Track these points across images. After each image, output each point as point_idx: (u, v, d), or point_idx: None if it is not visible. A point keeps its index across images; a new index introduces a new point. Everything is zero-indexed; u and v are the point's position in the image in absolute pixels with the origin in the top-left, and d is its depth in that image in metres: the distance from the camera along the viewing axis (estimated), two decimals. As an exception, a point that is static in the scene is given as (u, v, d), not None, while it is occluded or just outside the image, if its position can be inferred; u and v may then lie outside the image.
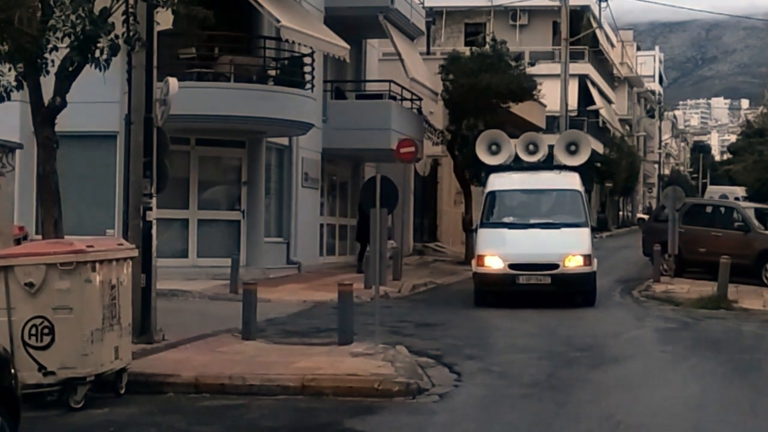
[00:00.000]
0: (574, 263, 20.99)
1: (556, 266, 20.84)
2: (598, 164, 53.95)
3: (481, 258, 21.35)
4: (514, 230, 21.74)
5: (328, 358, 13.52)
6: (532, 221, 21.95)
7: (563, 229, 21.54)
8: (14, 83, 13.07)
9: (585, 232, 21.72)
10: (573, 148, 23.59)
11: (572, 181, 22.84)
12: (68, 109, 13.82)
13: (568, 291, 21.33)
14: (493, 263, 21.11)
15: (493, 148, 23.62)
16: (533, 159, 23.50)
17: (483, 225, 22.12)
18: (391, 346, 14.51)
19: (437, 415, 11.19)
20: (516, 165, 23.61)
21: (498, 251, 21.15)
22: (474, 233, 23.05)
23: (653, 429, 10.70)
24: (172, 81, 15.65)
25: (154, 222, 15.08)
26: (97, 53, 12.78)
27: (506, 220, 22.30)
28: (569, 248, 21.10)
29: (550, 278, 20.80)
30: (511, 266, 20.87)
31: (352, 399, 11.76)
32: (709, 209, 31.32)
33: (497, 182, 22.93)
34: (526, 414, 11.24)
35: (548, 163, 23.79)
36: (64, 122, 14.52)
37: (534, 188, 22.90)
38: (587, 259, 21.18)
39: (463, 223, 22.84)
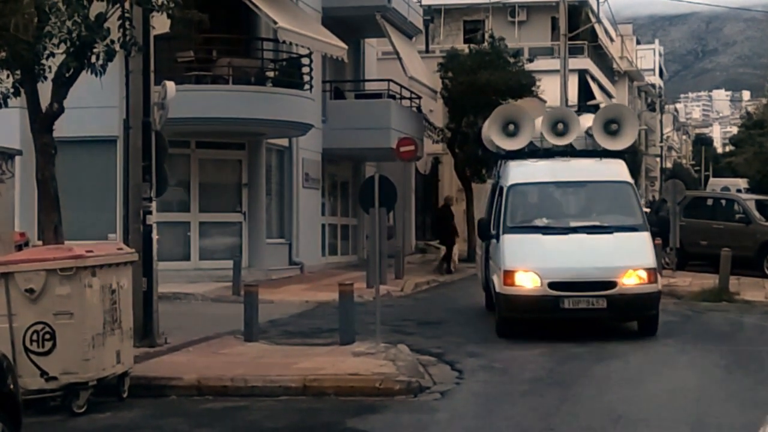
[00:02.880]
0: (635, 280, 15.90)
1: (612, 284, 15.68)
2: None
3: (509, 275, 15.89)
4: (553, 236, 16.37)
5: (330, 358, 13.56)
6: (573, 224, 16.72)
7: (617, 234, 16.46)
8: (11, 90, 13.11)
9: (645, 238, 16.57)
10: (614, 127, 17.75)
11: (619, 171, 17.62)
12: (68, 114, 13.87)
13: (628, 317, 16.69)
14: (527, 282, 15.79)
15: (510, 128, 17.93)
16: (563, 142, 17.84)
17: (508, 230, 16.59)
18: (393, 345, 14.55)
19: (439, 413, 11.23)
20: (539, 150, 18.16)
21: (534, 265, 15.86)
22: (494, 241, 17.08)
23: (654, 422, 10.73)
24: (170, 85, 15.68)
25: (155, 226, 15.12)
26: (94, 59, 12.82)
27: (539, 222, 16.82)
28: (628, 260, 16.04)
29: (606, 301, 15.66)
30: (553, 285, 15.65)
31: (354, 398, 11.80)
32: (710, 202, 31.37)
33: (519, 173, 17.51)
34: (527, 410, 11.27)
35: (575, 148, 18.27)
36: (64, 128, 14.58)
37: (571, 180, 17.50)
38: (652, 274, 16.11)
39: (479, 227, 17.51)
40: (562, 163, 17.76)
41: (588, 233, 16.35)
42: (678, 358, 14.67)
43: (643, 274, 15.96)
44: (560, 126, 17.92)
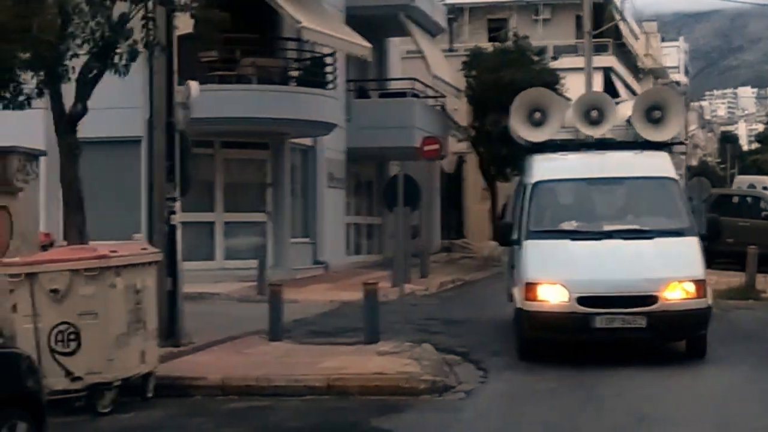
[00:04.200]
0: (680, 294, 13.55)
1: (653, 299, 13.37)
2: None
3: (532, 288, 13.63)
4: (583, 243, 14.12)
5: (355, 357, 13.53)
6: (607, 227, 14.33)
7: (659, 240, 14.06)
8: (35, 91, 13.16)
9: (692, 244, 14.07)
10: (657, 114, 15.41)
11: (662, 165, 15.21)
12: (94, 115, 13.94)
13: (672, 337, 14.35)
14: (553, 296, 13.53)
15: (536, 116, 15.66)
16: (597, 132, 15.56)
17: (531, 235, 14.34)
18: (418, 344, 14.50)
19: (463, 413, 11.18)
20: (570, 142, 15.96)
21: (560, 277, 13.58)
22: (515, 247, 14.84)
23: (679, 421, 10.65)
24: (193, 85, 15.70)
25: (179, 225, 15.13)
26: (116, 59, 12.85)
27: (567, 226, 14.48)
28: (672, 270, 13.71)
29: (646, 319, 13.35)
30: (583, 301, 13.36)
31: (379, 398, 11.76)
32: (735, 199, 31.21)
33: (545, 168, 15.28)
34: (552, 409, 11.20)
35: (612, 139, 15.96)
36: (90, 128, 14.63)
37: (606, 176, 15.15)
38: (701, 286, 13.65)
39: (495, 229, 15.46)
40: (596, 157, 15.42)
41: (625, 239, 14.00)
42: (703, 357, 14.53)
43: (690, 287, 13.55)
44: (594, 113, 15.71)
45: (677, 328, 13.68)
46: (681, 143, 17.44)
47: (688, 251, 14.01)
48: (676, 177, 15.16)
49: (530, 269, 13.91)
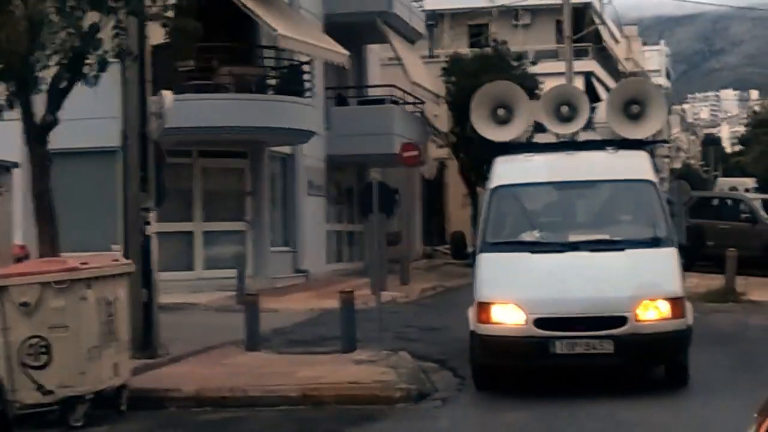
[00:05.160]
0: (653, 314, 11.90)
1: (621, 321, 11.72)
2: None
3: (484, 309, 12.00)
4: (544, 256, 12.37)
5: (331, 366, 13.47)
6: (573, 238, 12.61)
7: (632, 251, 12.37)
8: (5, 102, 13.06)
9: (669, 256, 12.43)
10: (635, 109, 13.59)
11: (639, 166, 13.41)
12: (70, 125, 13.89)
13: (644, 364, 12.79)
14: (508, 318, 11.91)
15: (500, 113, 13.76)
16: (568, 130, 13.68)
17: (486, 247, 12.65)
18: (395, 352, 14.45)
19: (439, 421, 11.13)
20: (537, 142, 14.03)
21: (516, 295, 11.95)
22: (471, 261, 13.08)
23: (656, 425, 10.60)
24: (167, 94, 15.61)
25: (154, 236, 15.04)
26: (87, 69, 12.77)
27: (527, 237, 12.76)
28: (644, 286, 12.00)
29: (613, 343, 11.70)
30: (541, 323, 11.73)
31: (354, 407, 11.70)
32: (716, 202, 31.25)
33: (506, 172, 13.40)
34: (529, 417, 11.15)
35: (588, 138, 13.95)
36: (66, 139, 14.56)
37: (574, 179, 13.31)
38: (678, 305, 11.99)
39: (452, 243, 12.78)
40: (565, 158, 13.55)
41: (592, 251, 12.29)
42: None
43: (665, 306, 11.85)
44: (565, 109, 13.78)
45: (650, 353, 11.95)
46: (663, 142, 15.02)
47: (663, 264, 12.28)
48: (655, 179, 13.23)
49: (483, 287, 12.18)
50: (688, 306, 12.29)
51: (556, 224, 13.16)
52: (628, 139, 13.70)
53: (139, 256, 14.42)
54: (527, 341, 11.78)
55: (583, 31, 51.37)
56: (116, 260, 12.13)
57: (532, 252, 12.45)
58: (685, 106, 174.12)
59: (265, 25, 24.47)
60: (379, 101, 31.95)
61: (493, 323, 11.95)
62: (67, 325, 10.80)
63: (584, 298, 11.89)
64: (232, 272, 23.13)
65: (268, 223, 26.43)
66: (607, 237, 12.61)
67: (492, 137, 14.05)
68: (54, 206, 13.53)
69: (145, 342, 14.41)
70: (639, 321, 11.79)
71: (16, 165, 16.14)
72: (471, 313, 12.30)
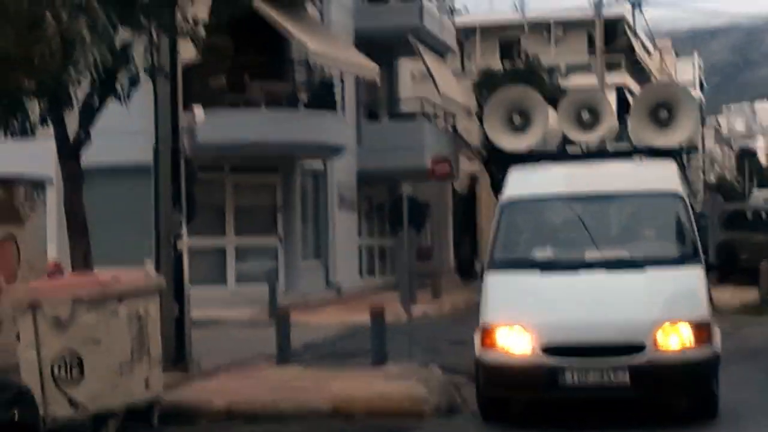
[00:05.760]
0: (675, 340, 10.67)
1: (638, 348, 10.58)
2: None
3: (488, 333, 10.99)
4: (556, 275, 11.29)
5: (362, 380, 13.49)
6: (588, 257, 11.45)
7: (653, 271, 11.14)
8: (39, 119, 13.21)
9: (695, 275, 11.23)
10: (664, 114, 12.42)
11: (665, 177, 12.19)
12: (102, 142, 14.01)
13: (664, 396, 11.30)
14: (514, 344, 10.82)
15: (516, 120, 12.61)
16: (590, 137, 12.64)
17: (494, 265, 11.58)
18: (425, 366, 14.45)
19: (469, 435, 11.12)
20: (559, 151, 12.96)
21: (522, 319, 10.84)
22: (479, 281, 11.93)
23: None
24: (198, 110, 15.75)
25: (185, 251, 15.14)
26: (118, 87, 12.89)
27: (539, 254, 11.70)
28: (666, 309, 10.81)
29: (629, 373, 10.54)
30: (549, 350, 10.66)
31: (384, 421, 11.72)
32: (749, 215, 31.05)
33: (519, 184, 12.29)
34: (563, 428, 11.12)
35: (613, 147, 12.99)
36: (98, 155, 14.70)
37: (593, 192, 12.07)
38: (703, 330, 10.76)
39: (457, 260, 11.49)
40: (585, 169, 12.48)
41: (609, 270, 11.13)
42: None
43: (688, 332, 10.60)
44: (586, 115, 12.72)
45: (670, 385, 10.68)
46: (691, 150, 13.35)
47: (688, 285, 11.09)
48: (682, 191, 12.03)
49: (489, 309, 11.07)
50: (716, 331, 11.02)
51: (571, 241, 11.91)
52: (655, 148, 12.60)
53: (171, 271, 14.52)
54: (534, 370, 10.64)
55: (615, 44, 51.26)
56: (148, 275, 12.22)
57: (543, 271, 11.29)
58: (720, 119, 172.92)
59: (296, 41, 24.61)
60: (411, 116, 32.03)
61: (497, 350, 10.83)
62: (100, 340, 10.89)
63: (598, 322, 10.72)
64: (264, 287, 23.23)
65: (300, 237, 26.52)
66: (626, 255, 11.42)
67: (507, 146, 12.98)
68: (86, 222, 13.66)
69: (177, 356, 14.50)
70: (659, 349, 10.53)
71: (50, 181, 16.28)
72: (476, 337, 11.19)
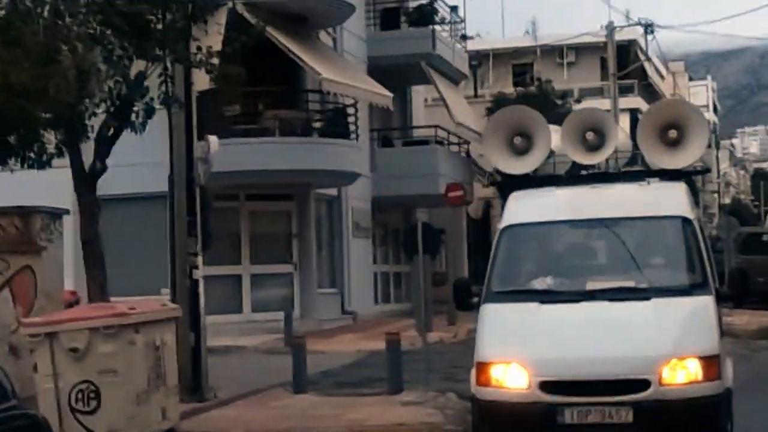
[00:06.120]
0: (682, 376, 9.93)
1: (643, 384, 9.80)
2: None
3: (483, 369, 10.20)
4: (556, 307, 10.48)
5: (378, 408, 13.50)
6: (591, 285, 10.69)
7: (658, 301, 10.39)
8: (56, 150, 13.30)
9: (704, 306, 10.47)
10: (673, 134, 11.93)
11: (673, 200, 11.48)
12: (118, 172, 14.10)
13: None
14: (510, 380, 10.04)
15: (517, 142, 12.11)
16: (594, 160, 12.39)
17: (491, 296, 10.71)
18: (442, 393, 14.44)
19: (486, 463, 11.05)
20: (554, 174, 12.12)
21: (519, 354, 10.07)
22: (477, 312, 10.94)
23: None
24: (213, 139, 15.83)
25: (201, 280, 15.19)
26: (133, 116, 12.98)
27: (537, 284, 10.86)
28: (672, 343, 10.05)
29: (633, 411, 9.81)
30: (547, 386, 9.87)
31: (401, 449, 11.71)
32: (766, 237, 30.98)
33: (522, 208, 11.61)
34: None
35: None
36: (114, 185, 14.78)
37: (596, 216, 11.33)
38: (712, 365, 10.00)
39: (454, 290, 11.13)
40: (588, 193, 11.79)
41: (612, 300, 10.38)
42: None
43: (696, 366, 9.87)
44: (591, 136, 12.55)
45: (677, 423, 9.88)
46: (704, 171, 11.81)
47: (696, 316, 10.34)
48: (691, 215, 11.24)
49: (484, 343, 10.34)
50: (728, 364, 10.39)
51: (573, 269, 11.18)
52: (665, 169, 11.79)
53: (187, 299, 14.58)
54: (531, 408, 9.89)
55: (628, 68, 51.32)
56: (164, 305, 12.27)
57: (542, 302, 10.47)
58: (734, 141, 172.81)
59: (309, 69, 24.70)
60: (424, 142, 32.10)
61: (492, 387, 10.06)
62: (116, 370, 10.92)
63: (599, 357, 9.95)
64: (280, 314, 23.26)
65: (315, 264, 26.56)
66: (630, 284, 10.64)
67: (508, 169, 12.53)
68: (103, 252, 13.72)
69: (194, 385, 14.52)
70: (664, 384, 9.76)
71: (66, 212, 16.36)
72: (472, 374, 10.45)
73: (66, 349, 10.91)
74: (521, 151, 12.14)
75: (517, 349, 10.09)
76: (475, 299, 10.81)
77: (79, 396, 10.90)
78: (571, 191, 11.82)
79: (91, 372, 10.90)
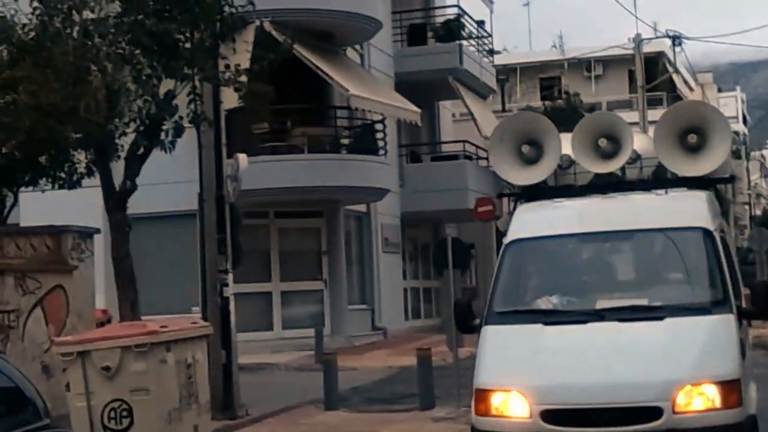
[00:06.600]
0: (699, 403, 8.94)
1: (655, 412, 8.84)
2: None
3: (483, 397, 9.28)
4: (561, 328, 9.54)
5: (410, 424, 13.47)
6: (600, 304, 9.72)
7: (673, 321, 9.44)
8: (84, 170, 13.38)
9: (723, 325, 9.50)
10: (692, 139, 10.83)
11: (692, 209, 10.55)
12: (148, 190, 14.17)
13: None
14: (510, 409, 9.14)
15: (526, 150, 11.09)
16: (608, 168, 11.12)
17: (493, 318, 9.80)
18: (474, 408, 14.37)
19: (520, 478, 10.98)
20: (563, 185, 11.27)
21: (519, 381, 9.15)
22: (476, 335, 10.03)
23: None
24: (242, 157, 15.88)
25: (232, 298, 15.22)
26: (163, 135, 13.05)
27: (542, 304, 9.96)
28: (686, 366, 9.08)
29: None
30: (550, 416, 8.94)
31: (434, 465, 11.68)
32: (797, 249, 30.72)
33: (529, 221, 10.68)
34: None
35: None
36: (144, 204, 14.83)
37: (608, 229, 10.42)
38: (731, 390, 9.01)
39: (455, 312, 10.22)
40: (601, 204, 10.75)
41: (622, 320, 9.41)
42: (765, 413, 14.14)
43: (714, 392, 8.89)
44: (604, 143, 11.03)
45: None
46: (727, 180, 11.75)
47: (714, 336, 9.35)
48: (712, 226, 10.25)
49: (483, 369, 9.38)
50: (751, 388, 9.50)
51: (581, 287, 10.23)
52: (686, 177, 10.93)
53: (218, 317, 14.60)
54: None
55: (656, 80, 51.18)
56: (195, 322, 12.27)
57: (546, 323, 9.55)
58: (765, 152, 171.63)
59: (337, 85, 24.76)
60: (453, 157, 32.08)
61: (492, 416, 9.15)
62: (148, 388, 10.91)
63: (606, 383, 8.98)
64: (311, 331, 23.27)
65: (345, 281, 26.56)
66: (643, 302, 9.72)
67: (516, 180, 11.21)
68: (133, 270, 13.77)
69: (225, 403, 14.54)
70: (678, 413, 8.81)
71: (97, 231, 16.47)
72: (473, 403, 9.50)
73: (98, 367, 10.91)
74: (530, 161, 11.05)
75: (518, 375, 9.22)
76: (477, 321, 9.93)
77: (112, 414, 10.89)
78: (582, 202, 10.87)
79: (123, 390, 10.90)
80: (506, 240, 10.45)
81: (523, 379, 9.09)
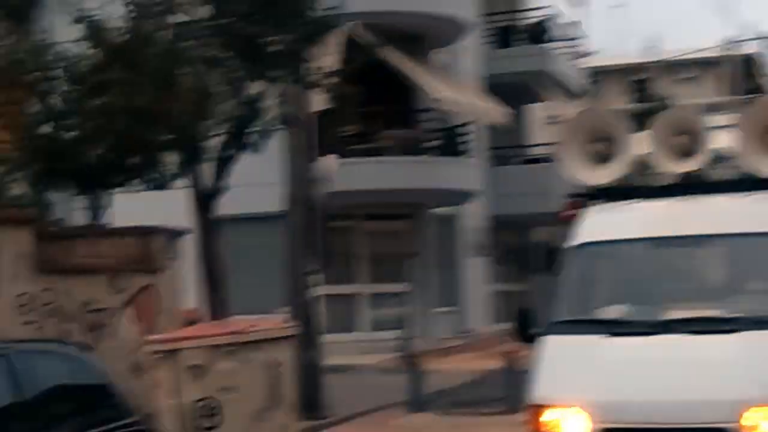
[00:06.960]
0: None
1: None
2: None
3: (536, 414, 8.59)
4: (625, 340, 8.87)
5: (496, 427, 13.43)
6: (670, 314, 9.03)
7: (750, 335, 8.68)
8: (174, 171, 13.56)
9: None
10: None
11: None
12: (237, 192, 14.31)
13: None
14: (568, 426, 8.49)
15: (598, 148, 10.32)
16: (685, 168, 10.22)
17: (553, 327, 9.10)
18: (561, 412, 14.26)
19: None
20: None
21: (580, 396, 8.49)
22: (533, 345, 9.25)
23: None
24: (331, 159, 15.99)
25: (320, 298, 15.30)
26: (251, 137, 13.17)
27: (606, 313, 9.33)
28: (757, 384, 8.39)
29: None
30: None
31: (520, 469, 11.58)
32: None
33: (598, 224, 9.87)
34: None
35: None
36: (233, 205, 14.96)
37: (682, 234, 9.64)
38: None
39: (517, 320, 9.32)
40: (678, 206, 9.90)
41: (693, 332, 8.65)
42: None
43: None
44: (682, 140, 10.17)
45: None
46: None
47: None
48: None
49: (539, 382, 8.68)
50: None
51: (650, 296, 9.54)
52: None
53: (305, 318, 14.69)
54: None
55: (749, 82, 50.34)
56: (283, 322, 12.36)
57: (611, 334, 8.86)
58: None
59: (424, 88, 24.77)
60: (541, 160, 31.87)
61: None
62: (237, 387, 11.04)
63: (672, 401, 8.39)
64: (398, 333, 23.30)
65: (432, 283, 26.55)
66: (717, 313, 9.02)
67: (587, 179, 10.48)
68: (223, 270, 13.91)
69: (312, 403, 14.62)
70: None
71: (187, 231, 16.69)
72: (525, 418, 8.95)
73: (187, 366, 11.05)
74: (602, 159, 10.29)
75: (577, 389, 8.53)
76: (536, 330, 9.25)
77: (201, 412, 11.03)
78: (657, 204, 10.05)
79: (212, 389, 11.02)
80: (570, 243, 9.81)
81: (584, 394, 8.48)
